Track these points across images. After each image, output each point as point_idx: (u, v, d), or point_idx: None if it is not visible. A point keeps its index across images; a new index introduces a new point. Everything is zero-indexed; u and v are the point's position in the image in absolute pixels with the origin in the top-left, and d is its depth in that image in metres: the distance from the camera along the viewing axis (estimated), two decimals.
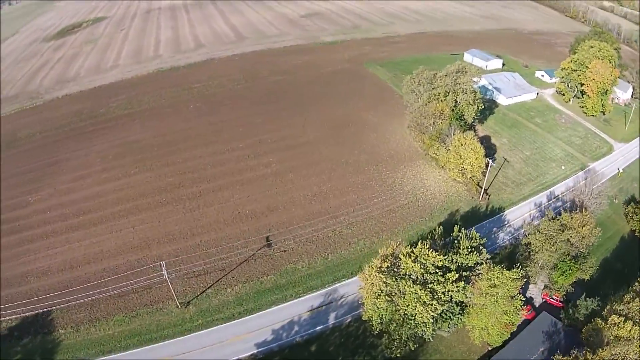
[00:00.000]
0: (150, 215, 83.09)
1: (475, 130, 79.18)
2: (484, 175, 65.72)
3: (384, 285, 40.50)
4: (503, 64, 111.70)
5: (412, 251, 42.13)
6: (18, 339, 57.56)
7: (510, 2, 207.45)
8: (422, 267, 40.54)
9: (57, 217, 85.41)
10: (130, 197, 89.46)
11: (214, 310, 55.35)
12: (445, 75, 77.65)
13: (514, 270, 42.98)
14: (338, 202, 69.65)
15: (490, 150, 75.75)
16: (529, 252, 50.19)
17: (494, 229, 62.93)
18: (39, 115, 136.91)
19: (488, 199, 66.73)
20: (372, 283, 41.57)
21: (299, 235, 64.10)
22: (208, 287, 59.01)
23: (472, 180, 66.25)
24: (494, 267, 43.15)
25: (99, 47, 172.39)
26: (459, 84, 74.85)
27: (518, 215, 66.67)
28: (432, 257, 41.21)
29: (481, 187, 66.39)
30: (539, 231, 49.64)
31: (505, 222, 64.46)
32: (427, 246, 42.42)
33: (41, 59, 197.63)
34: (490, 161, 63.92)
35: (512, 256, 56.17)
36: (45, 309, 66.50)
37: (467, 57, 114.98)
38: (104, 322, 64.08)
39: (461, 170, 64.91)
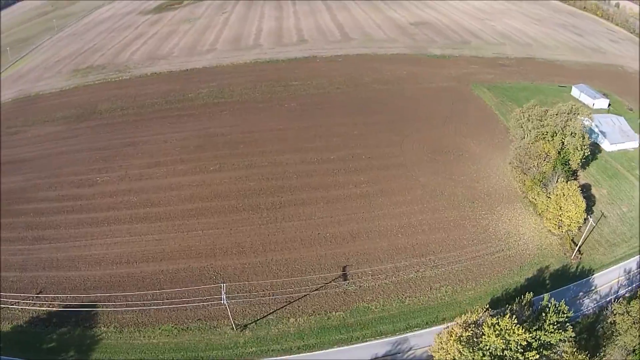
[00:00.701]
0: (222, 221, 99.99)
1: (577, 177, 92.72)
2: (580, 231, 76.27)
3: (459, 355, 48.70)
4: (609, 104, 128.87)
5: (498, 323, 49.90)
6: (56, 326, 74.08)
7: (618, 38, 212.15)
8: (505, 342, 47.91)
9: (122, 204, 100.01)
10: (205, 196, 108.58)
11: (272, 339, 64.57)
12: (556, 115, 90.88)
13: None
14: (426, 238, 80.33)
15: (589, 201, 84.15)
16: (612, 332, 58.15)
17: (580, 293, 71.82)
18: (123, 90, 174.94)
19: (580, 258, 77.22)
20: (448, 351, 49.89)
21: (378, 270, 74.35)
22: (270, 313, 69.14)
23: (568, 235, 78.22)
24: (578, 353, 50.51)
25: (197, 28, 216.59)
26: (569, 125, 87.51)
27: (607, 280, 74.97)
28: (518, 333, 48.78)
29: (575, 244, 77.26)
30: (628, 313, 57.01)
31: (593, 287, 72.95)
32: (514, 320, 49.91)
33: (135, 31, 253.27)
34: (590, 218, 75.04)
35: (592, 326, 63.53)
36: (90, 302, 77.40)
37: (575, 91, 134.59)
38: (150, 329, 78.56)
39: (558, 222, 76.08)
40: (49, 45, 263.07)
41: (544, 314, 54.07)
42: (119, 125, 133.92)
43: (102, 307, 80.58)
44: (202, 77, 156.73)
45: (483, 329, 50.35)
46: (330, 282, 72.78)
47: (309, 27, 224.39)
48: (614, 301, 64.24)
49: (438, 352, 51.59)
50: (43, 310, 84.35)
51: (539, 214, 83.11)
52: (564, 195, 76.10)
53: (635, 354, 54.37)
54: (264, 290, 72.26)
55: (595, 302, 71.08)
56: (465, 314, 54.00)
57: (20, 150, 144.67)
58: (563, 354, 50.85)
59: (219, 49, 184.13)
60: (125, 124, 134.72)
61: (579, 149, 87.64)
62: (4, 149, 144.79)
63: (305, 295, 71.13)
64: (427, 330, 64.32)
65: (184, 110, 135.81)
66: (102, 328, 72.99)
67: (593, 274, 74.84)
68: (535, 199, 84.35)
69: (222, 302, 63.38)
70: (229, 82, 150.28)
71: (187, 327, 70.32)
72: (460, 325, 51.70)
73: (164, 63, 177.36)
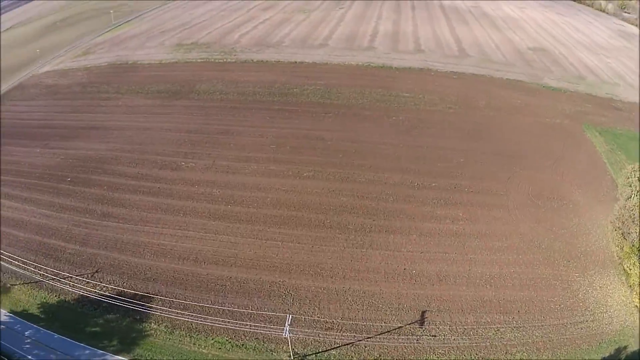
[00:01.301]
0: (305, 235, 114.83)
1: None
2: None
3: None
4: None
5: None
6: (105, 311, 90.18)
7: None
8: None
9: (202, 196, 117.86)
10: (292, 204, 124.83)
11: None
12: None
13: None
14: (514, 295, 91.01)
15: None
16: None
17: None
18: (226, 73, 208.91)
19: None
20: None
21: (458, 322, 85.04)
22: (333, 348, 79.43)
23: None
24: None
25: (312, 19, 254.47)
26: None
27: None
28: None
29: None
30: None
31: None
32: None
33: (246, 14, 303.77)
34: None
35: None
36: (146, 293, 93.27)
37: None
38: (203, 337, 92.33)
39: None
40: (156, 15, 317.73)
41: None
42: (215, 110, 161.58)
43: (158, 303, 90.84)
44: (309, 73, 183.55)
45: None
46: (405, 325, 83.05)
47: (427, 36, 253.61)
48: None
49: None
50: (95, 291, 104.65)
51: (630, 286, 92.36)
52: None
53: None
54: (332, 321, 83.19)
55: None
56: None
57: (108, 117, 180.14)
58: None
59: (331, 46, 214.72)
60: (221, 109, 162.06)
61: None
62: (92, 113, 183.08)
63: (375, 336, 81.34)
64: None
65: (286, 106, 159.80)
66: (152, 324, 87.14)
67: None
68: (629, 269, 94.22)
69: (284, 334, 73.95)
70: (337, 83, 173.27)
71: (242, 344, 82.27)
72: None
73: (272, 51, 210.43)
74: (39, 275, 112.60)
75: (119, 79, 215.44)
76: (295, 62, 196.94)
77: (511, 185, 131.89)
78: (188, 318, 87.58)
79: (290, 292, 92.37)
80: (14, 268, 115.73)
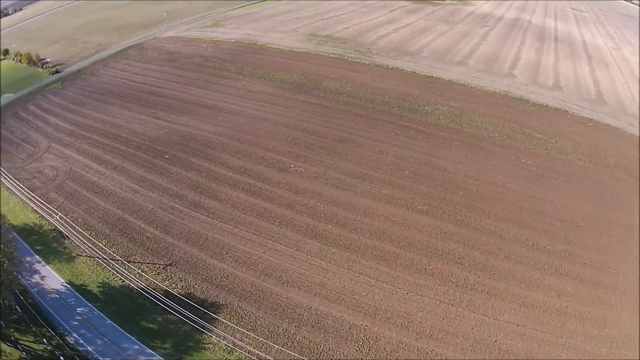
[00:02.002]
0: (402, 278, 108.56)
1: None
2: None
3: None
4: None
5: None
6: (166, 310, 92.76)
7: None
8: None
9: (304, 208, 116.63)
10: (398, 238, 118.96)
11: None
12: None
13: None
14: None
15: None
16: None
17: None
18: (357, 74, 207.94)
19: None
20: None
21: None
22: None
23: None
24: None
25: (454, 32, 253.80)
26: None
27: None
28: None
29: None
30: None
31: None
32: None
33: (389, 15, 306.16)
34: None
35: None
36: (216, 302, 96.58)
37: None
38: None
39: None
40: (294, 1, 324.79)
41: None
42: (338, 114, 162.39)
43: (225, 316, 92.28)
44: (444, 92, 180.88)
45: None
46: None
47: (567, 73, 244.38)
48: None
49: None
50: (162, 286, 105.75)
51: None
52: None
53: None
54: None
55: None
56: None
57: (224, 98, 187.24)
58: None
59: (471, 65, 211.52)
60: (345, 114, 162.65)
61: None
62: (208, 90, 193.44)
63: None
64: None
65: (414, 123, 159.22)
66: (213, 338, 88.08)
67: None
68: None
69: None
70: (470, 108, 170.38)
71: None
72: None
73: (409, 60, 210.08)
74: (108, 252, 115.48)
75: (243, 59, 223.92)
76: (432, 76, 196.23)
77: (625, 264, 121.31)
78: (252, 341, 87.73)
79: (369, 340, 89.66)
80: (83, 238, 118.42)
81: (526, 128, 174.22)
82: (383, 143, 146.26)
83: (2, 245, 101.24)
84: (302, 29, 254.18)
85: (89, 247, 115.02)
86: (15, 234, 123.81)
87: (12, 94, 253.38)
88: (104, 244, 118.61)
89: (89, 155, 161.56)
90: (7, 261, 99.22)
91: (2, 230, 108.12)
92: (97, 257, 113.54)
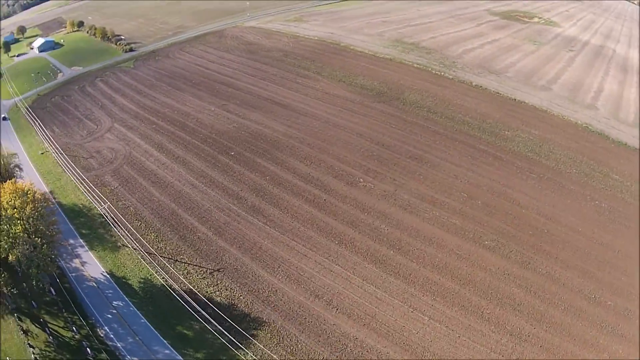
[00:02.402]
0: (457, 319, 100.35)
1: None
2: None
3: None
4: None
5: None
6: (205, 319, 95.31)
7: None
8: None
9: (368, 228, 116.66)
10: (460, 275, 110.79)
11: None
12: None
13: None
14: None
15: None
16: None
17: None
18: (440, 88, 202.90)
19: None
20: None
21: None
22: None
23: None
24: None
25: (540, 54, 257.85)
26: None
27: None
28: None
29: None
30: None
31: None
32: None
33: (476, 28, 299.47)
34: None
35: None
36: (259, 317, 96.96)
37: None
38: None
39: None
40: (384, 2, 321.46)
41: None
42: (416, 129, 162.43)
43: (266, 333, 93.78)
44: (526, 117, 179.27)
45: None
46: None
47: None
48: None
49: None
50: (205, 291, 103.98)
51: None
52: None
53: None
54: None
55: None
56: None
57: (299, 98, 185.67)
58: None
59: (554, 92, 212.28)
60: (423, 130, 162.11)
61: None
62: (284, 87, 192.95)
63: None
64: None
65: (492, 148, 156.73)
66: (249, 356, 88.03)
67: None
68: None
69: None
70: (550, 138, 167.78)
71: None
72: None
73: (493, 79, 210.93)
74: (155, 247, 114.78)
75: (324, 58, 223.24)
76: (515, 99, 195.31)
77: None
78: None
79: None
80: (133, 228, 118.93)
81: (604, 167, 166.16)
82: (459, 167, 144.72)
83: (43, 227, 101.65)
84: (387, 34, 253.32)
85: (137, 238, 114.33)
86: (62, 213, 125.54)
87: (81, 67, 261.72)
88: (152, 237, 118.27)
89: (151, 141, 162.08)
90: (45, 244, 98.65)
91: (46, 211, 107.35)
92: (143, 251, 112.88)
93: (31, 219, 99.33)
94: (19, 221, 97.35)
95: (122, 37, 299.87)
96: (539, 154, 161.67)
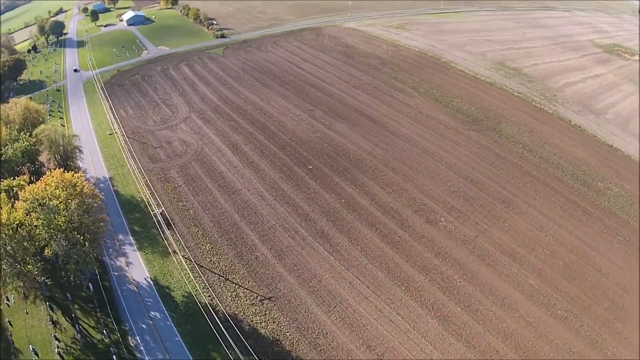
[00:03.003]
0: None
1: None
2: None
3: None
4: None
5: None
6: (241, 348, 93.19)
7: None
8: None
9: (439, 277, 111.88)
10: (525, 346, 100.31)
11: None
12: None
13: None
14: None
15: None
16: None
17: None
18: (537, 123, 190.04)
19: None
20: None
21: None
22: None
23: None
24: None
25: None
26: None
27: None
28: None
29: None
30: None
31: None
32: None
33: (579, 59, 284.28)
34: None
35: None
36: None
37: None
38: None
39: None
40: (490, 17, 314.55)
41: None
42: (508, 166, 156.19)
43: None
44: (621, 169, 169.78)
45: None
46: None
47: None
48: None
49: None
50: (251, 319, 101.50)
51: None
52: None
53: None
54: None
55: None
56: None
57: (391, 114, 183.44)
58: None
59: None
60: (516, 168, 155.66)
61: None
62: (377, 99, 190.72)
63: None
64: None
65: (584, 201, 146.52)
66: None
67: None
68: None
69: None
70: None
71: None
72: None
73: (592, 120, 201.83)
74: (208, 260, 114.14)
75: (423, 73, 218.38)
76: (612, 146, 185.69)
77: None
78: None
79: None
80: (188, 234, 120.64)
81: None
82: (546, 217, 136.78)
83: (88, 223, 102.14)
84: (490, 55, 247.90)
85: (190, 247, 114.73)
86: (117, 204, 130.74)
87: (167, 48, 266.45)
88: (207, 248, 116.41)
89: (226, 139, 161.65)
90: (87, 243, 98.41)
91: (93, 208, 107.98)
92: (194, 262, 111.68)
93: (76, 213, 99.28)
94: (62, 212, 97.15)
95: (215, 21, 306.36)
96: (629, 214, 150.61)
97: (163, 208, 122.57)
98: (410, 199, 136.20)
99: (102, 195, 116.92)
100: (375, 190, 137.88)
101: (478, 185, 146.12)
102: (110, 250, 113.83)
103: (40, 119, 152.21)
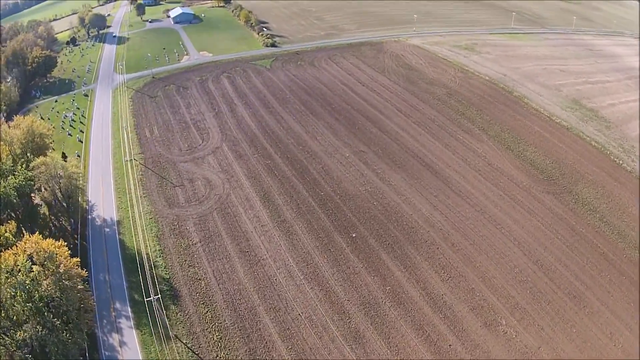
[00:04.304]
0: None
1: None
2: None
3: None
4: None
5: None
6: None
7: None
8: None
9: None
10: None
11: None
12: None
13: None
14: None
15: None
16: None
17: None
18: (616, 185, 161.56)
19: None
20: None
21: None
22: None
23: None
24: None
25: None
26: None
27: None
28: None
29: None
30: None
31: None
32: None
33: None
34: None
35: None
36: None
37: None
38: None
39: None
40: (566, 40, 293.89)
41: None
42: (583, 245, 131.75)
43: None
44: None
45: None
46: None
47: None
48: None
49: None
50: None
51: None
52: None
53: None
54: None
55: None
56: None
57: (455, 164, 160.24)
58: None
59: None
60: (591, 248, 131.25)
61: None
62: (439, 142, 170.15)
63: None
64: None
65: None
66: None
67: None
68: None
69: None
70: None
71: None
72: None
73: None
74: (214, 355, 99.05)
75: (493, 109, 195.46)
76: None
77: None
78: None
79: None
80: (196, 316, 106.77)
81: None
82: (618, 319, 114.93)
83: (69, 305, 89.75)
84: (565, 90, 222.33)
85: (195, 332, 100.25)
86: (120, 258, 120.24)
87: (210, 54, 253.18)
88: (215, 338, 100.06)
89: (258, 185, 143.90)
90: (69, 329, 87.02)
91: (71, 283, 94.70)
92: (198, 355, 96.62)
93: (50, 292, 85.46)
94: (33, 290, 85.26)
95: (267, 26, 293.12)
96: None
97: (159, 295, 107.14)
98: (469, 290, 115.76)
99: (86, 272, 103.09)
100: (428, 275, 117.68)
101: (549, 273, 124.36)
102: (105, 321, 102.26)
103: (46, 143, 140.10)
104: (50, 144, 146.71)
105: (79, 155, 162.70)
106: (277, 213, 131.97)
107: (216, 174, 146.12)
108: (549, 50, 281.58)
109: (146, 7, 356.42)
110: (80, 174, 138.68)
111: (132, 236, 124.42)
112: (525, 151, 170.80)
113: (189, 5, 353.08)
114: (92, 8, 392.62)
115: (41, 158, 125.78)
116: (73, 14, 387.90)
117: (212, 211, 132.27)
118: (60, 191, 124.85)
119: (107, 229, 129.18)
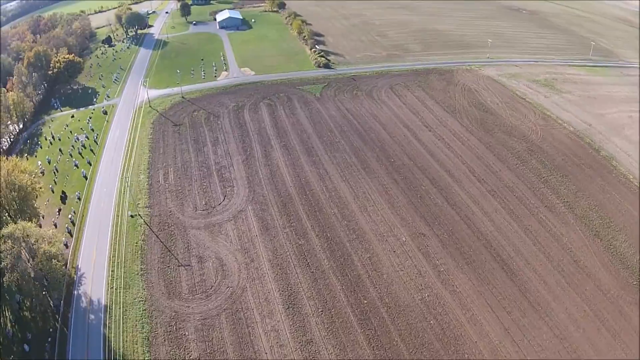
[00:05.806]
0: None
1: None
2: None
3: None
4: None
5: None
6: None
7: None
8: None
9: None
10: None
11: None
12: None
13: None
14: None
15: None
16: None
17: None
18: None
19: None
20: None
21: None
22: None
23: None
24: None
25: None
26: None
27: None
28: None
29: None
30: None
31: None
32: None
33: None
34: None
35: None
36: None
37: None
38: None
39: None
40: (636, 81, 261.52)
41: None
42: None
43: None
44: None
45: None
46: None
47: None
48: None
49: None
50: None
51: None
52: None
53: None
54: None
55: None
56: None
57: (537, 263, 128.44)
58: None
59: None
60: None
61: None
62: (517, 225, 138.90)
63: None
64: None
65: None
66: None
67: None
68: None
69: None
70: None
71: None
72: None
73: None
74: None
75: (580, 176, 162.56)
76: None
77: None
78: None
79: None
80: None
81: None
82: None
83: None
84: None
85: None
86: None
87: (252, 72, 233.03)
88: None
89: (285, 278, 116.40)
90: None
91: None
92: None
93: None
94: None
95: (322, 41, 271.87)
96: None
97: None
98: None
99: None
100: None
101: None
102: None
103: (31, 192, 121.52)
104: (38, 190, 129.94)
105: (79, 198, 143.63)
106: (302, 329, 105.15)
107: (233, 254, 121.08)
108: (630, 90, 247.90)
109: (194, 7, 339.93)
110: (61, 253, 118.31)
111: (118, 334, 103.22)
112: (615, 240, 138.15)
113: (240, 8, 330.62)
114: (131, 5, 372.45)
115: (10, 226, 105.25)
116: (120, 7, 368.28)
117: (220, 313, 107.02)
118: (34, 276, 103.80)
119: (92, 316, 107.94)
